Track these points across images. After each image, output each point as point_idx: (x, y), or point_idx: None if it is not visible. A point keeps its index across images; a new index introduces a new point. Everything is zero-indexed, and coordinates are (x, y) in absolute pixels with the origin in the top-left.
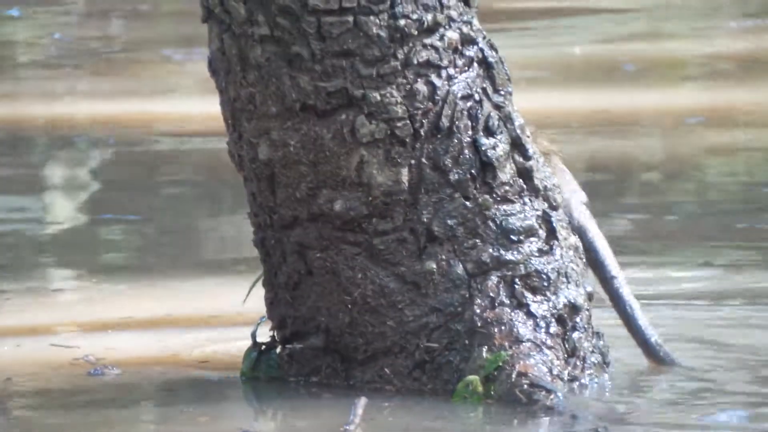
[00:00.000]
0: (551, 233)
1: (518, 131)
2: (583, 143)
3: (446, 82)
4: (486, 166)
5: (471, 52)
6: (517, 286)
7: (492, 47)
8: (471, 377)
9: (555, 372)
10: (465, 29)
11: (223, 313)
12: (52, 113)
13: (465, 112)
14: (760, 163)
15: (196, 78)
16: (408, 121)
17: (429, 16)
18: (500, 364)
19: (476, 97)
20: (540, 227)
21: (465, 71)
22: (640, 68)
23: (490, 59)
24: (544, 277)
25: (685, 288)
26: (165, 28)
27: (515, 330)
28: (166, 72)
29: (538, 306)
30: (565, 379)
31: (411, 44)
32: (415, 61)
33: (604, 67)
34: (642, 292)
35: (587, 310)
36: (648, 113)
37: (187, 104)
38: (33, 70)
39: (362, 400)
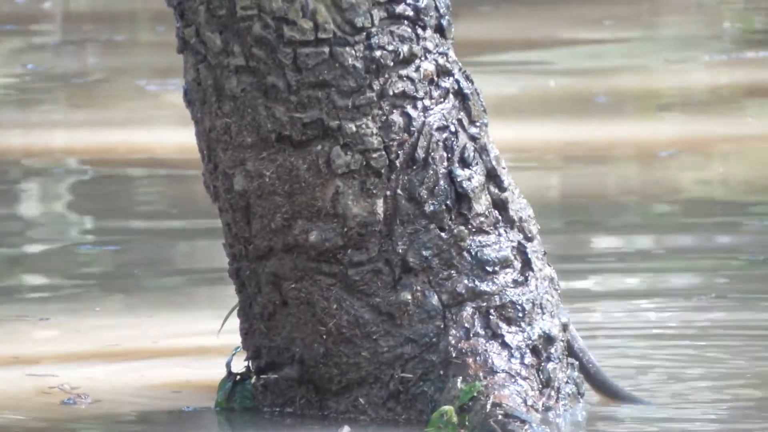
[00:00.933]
0: (526, 264)
1: (494, 162)
2: (558, 174)
3: (422, 114)
4: (461, 198)
5: (447, 83)
6: (492, 317)
7: (468, 79)
8: (445, 407)
9: (529, 402)
10: (441, 60)
11: (198, 344)
12: (26, 143)
13: (440, 144)
14: (736, 193)
15: (171, 109)
16: (383, 152)
17: (405, 48)
18: (475, 394)
19: (452, 128)
20: (515, 258)
21: (441, 102)
22: (614, 101)
23: (466, 90)
24: (519, 308)
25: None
26: (140, 58)
27: (490, 360)
28: (140, 103)
29: (513, 337)
30: (540, 409)
31: (387, 75)
32: (391, 93)
33: (578, 99)
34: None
35: (562, 340)
36: (622, 145)
37: (162, 135)
38: (6, 99)
39: (345, 429)
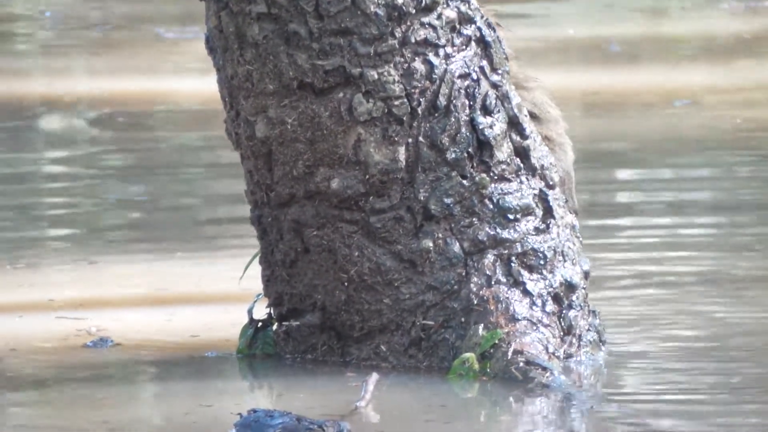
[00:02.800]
0: (548, 212)
1: (515, 110)
2: (580, 120)
3: (444, 61)
4: (483, 145)
5: (469, 31)
6: (513, 265)
7: (490, 26)
8: (467, 355)
9: (551, 350)
10: (463, 8)
11: (220, 290)
12: (48, 91)
13: (462, 91)
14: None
15: (190, 57)
16: (405, 100)
17: None
18: (496, 341)
19: (474, 76)
20: (537, 206)
21: (462, 50)
22: (630, 49)
23: (488, 38)
24: (541, 255)
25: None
26: (159, 6)
27: (511, 308)
28: (159, 50)
29: (535, 284)
30: (561, 357)
31: (408, 23)
32: (413, 40)
33: (595, 47)
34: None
35: (583, 288)
36: (637, 93)
37: (182, 83)
38: (24, 47)
39: (374, 377)
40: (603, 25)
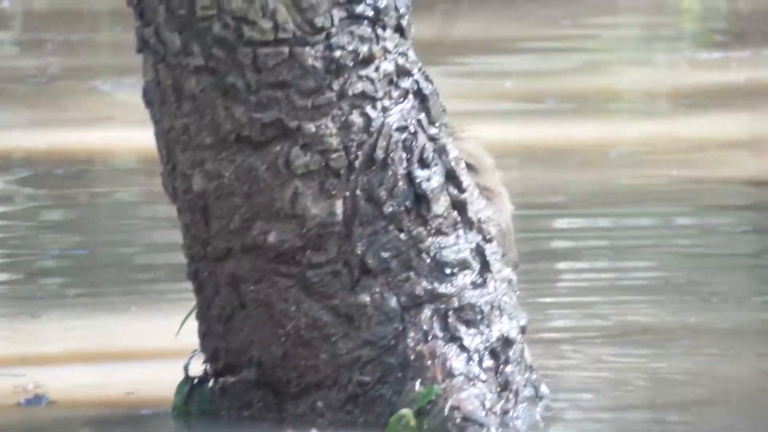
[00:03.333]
0: (485, 266)
1: (453, 163)
2: (516, 172)
3: (381, 114)
4: (420, 199)
5: (406, 83)
6: (450, 320)
7: (427, 79)
8: (404, 411)
9: (488, 406)
10: (400, 61)
11: (158, 345)
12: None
13: (400, 144)
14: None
15: (126, 109)
16: (343, 153)
17: (364, 48)
18: (433, 397)
19: (411, 129)
20: (474, 260)
21: (400, 103)
22: (567, 102)
23: (426, 91)
24: (478, 310)
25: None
26: (96, 59)
27: (448, 363)
28: (95, 103)
29: (472, 339)
30: (498, 413)
31: (346, 76)
32: (351, 93)
33: (532, 100)
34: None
35: (520, 343)
36: (575, 145)
37: (117, 135)
38: None
39: None
40: (541, 79)
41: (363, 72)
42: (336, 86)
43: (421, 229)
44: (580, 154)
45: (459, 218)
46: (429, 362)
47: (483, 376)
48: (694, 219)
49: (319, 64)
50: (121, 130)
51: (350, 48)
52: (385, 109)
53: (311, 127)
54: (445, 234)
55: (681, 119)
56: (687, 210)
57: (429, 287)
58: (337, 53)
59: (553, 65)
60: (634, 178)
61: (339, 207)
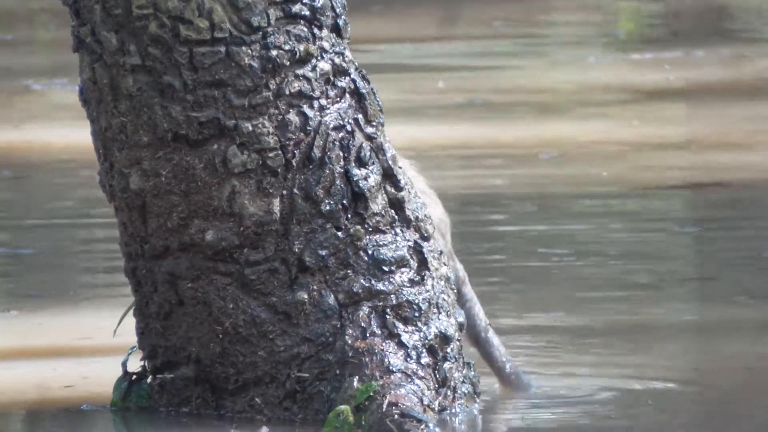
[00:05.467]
0: (423, 264)
1: (390, 162)
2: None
3: (318, 113)
4: (358, 197)
5: (343, 83)
6: (388, 317)
7: (364, 78)
8: (342, 407)
9: (426, 402)
10: (337, 60)
11: (94, 343)
12: None
13: (337, 143)
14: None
15: (59, 108)
16: (280, 152)
17: (301, 47)
18: (371, 394)
19: (348, 127)
20: (411, 258)
21: (337, 102)
22: (496, 101)
23: (363, 90)
24: (416, 307)
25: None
26: (29, 58)
27: (386, 360)
28: (28, 102)
29: (410, 336)
30: (436, 409)
31: (283, 75)
32: (287, 92)
33: (462, 99)
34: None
35: (458, 340)
36: (501, 146)
37: (53, 134)
38: None
39: (264, 430)
40: (470, 78)
41: (300, 71)
42: (273, 85)
43: (358, 227)
44: (509, 156)
45: (396, 216)
46: (367, 359)
47: (421, 373)
48: (627, 222)
49: (255, 63)
50: (56, 129)
51: (287, 47)
52: (322, 108)
53: (248, 126)
54: (383, 232)
55: (614, 120)
56: (619, 214)
57: (367, 285)
58: (274, 52)
59: (485, 63)
60: (564, 180)
61: (276, 205)
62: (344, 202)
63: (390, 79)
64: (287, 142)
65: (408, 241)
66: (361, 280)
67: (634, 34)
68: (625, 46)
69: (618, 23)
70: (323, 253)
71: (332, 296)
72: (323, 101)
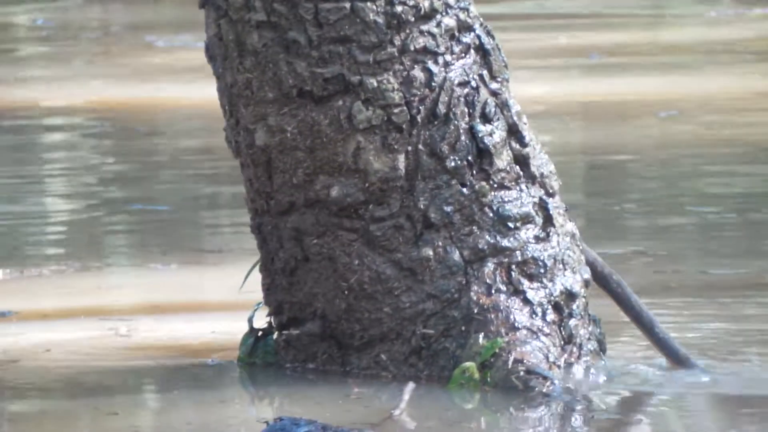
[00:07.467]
0: (548, 220)
1: (515, 118)
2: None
3: (443, 69)
4: (483, 153)
5: (468, 38)
6: (513, 273)
7: (489, 34)
8: (467, 364)
9: (551, 359)
10: (462, 16)
11: (220, 299)
12: (46, 98)
13: (462, 99)
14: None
15: (183, 64)
16: (405, 108)
17: (426, 3)
18: (496, 350)
19: (473, 83)
20: (537, 214)
21: (462, 58)
22: (614, 56)
23: (487, 46)
24: (541, 263)
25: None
26: (147, 13)
27: (512, 317)
28: (149, 58)
29: (535, 293)
30: (562, 366)
31: (408, 30)
32: (412, 48)
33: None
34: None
35: (584, 297)
36: (620, 102)
37: (174, 90)
38: (14, 54)
39: (410, 386)
40: (588, 32)
41: (424, 27)
42: (397, 41)
43: (483, 183)
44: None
45: (521, 173)
46: (492, 315)
47: (546, 330)
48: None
49: (380, 19)
50: (181, 84)
51: (411, 3)
52: (446, 64)
53: (373, 82)
54: (508, 188)
55: (735, 76)
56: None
57: (492, 241)
58: (399, 8)
59: (606, 15)
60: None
61: (401, 162)
62: (469, 158)
63: (511, 34)
64: (412, 98)
65: (533, 197)
66: (486, 237)
67: None
68: (745, 2)
69: None
70: (448, 209)
71: (457, 252)
72: (448, 57)
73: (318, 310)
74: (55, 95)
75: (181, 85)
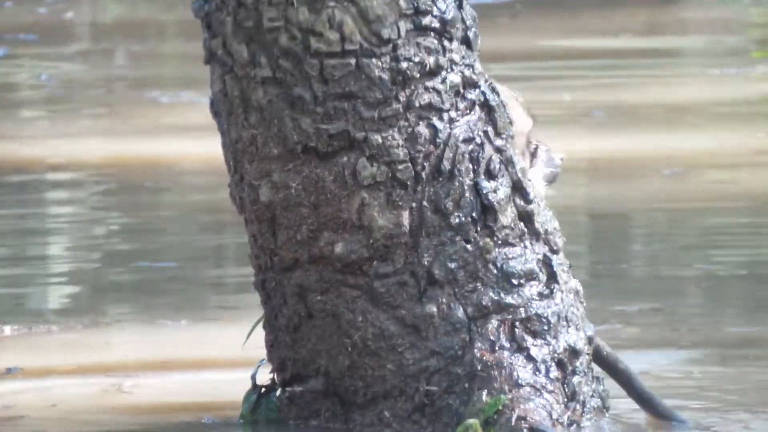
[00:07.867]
0: (552, 277)
1: (519, 174)
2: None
3: (448, 125)
4: (487, 210)
5: (473, 95)
6: (517, 330)
7: (493, 90)
8: (470, 421)
9: (554, 416)
10: (467, 72)
11: (223, 356)
12: (51, 155)
13: (466, 155)
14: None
15: (188, 121)
16: (409, 164)
17: (431, 59)
18: (500, 407)
19: (478, 140)
20: (541, 271)
21: (466, 114)
22: (616, 114)
23: (492, 102)
24: (545, 320)
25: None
26: (152, 69)
27: (515, 374)
28: (154, 114)
29: (539, 350)
30: (565, 423)
31: (413, 87)
32: (417, 104)
33: (581, 113)
34: None
35: (587, 354)
36: (625, 160)
37: (179, 146)
38: (19, 111)
39: None
40: (591, 90)
41: (430, 83)
42: (403, 97)
43: (487, 239)
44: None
45: (526, 229)
46: (496, 372)
47: (550, 387)
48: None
49: (385, 76)
50: (186, 141)
51: (417, 59)
52: (451, 121)
53: (378, 138)
54: (512, 245)
55: (740, 133)
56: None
57: (496, 298)
58: (404, 65)
59: (608, 75)
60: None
61: (406, 218)
62: (473, 214)
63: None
64: (417, 155)
65: (537, 254)
66: (490, 293)
67: (759, 46)
68: (752, 60)
69: (749, 36)
70: (452, 265)
71: (461, 309)
72: (453, 113)
73: (321, 367)
74: (60, 152)
75: (186, 141)
